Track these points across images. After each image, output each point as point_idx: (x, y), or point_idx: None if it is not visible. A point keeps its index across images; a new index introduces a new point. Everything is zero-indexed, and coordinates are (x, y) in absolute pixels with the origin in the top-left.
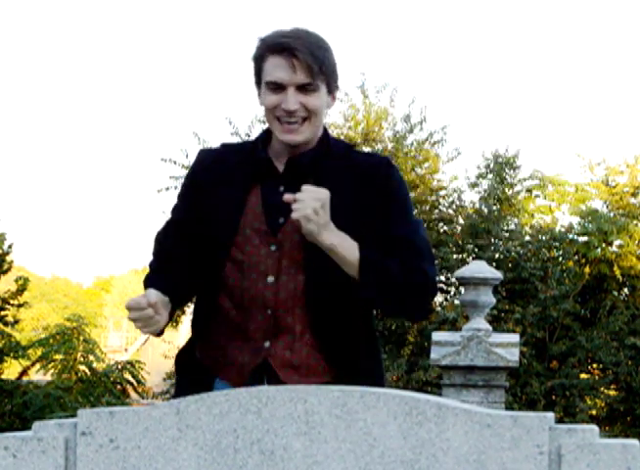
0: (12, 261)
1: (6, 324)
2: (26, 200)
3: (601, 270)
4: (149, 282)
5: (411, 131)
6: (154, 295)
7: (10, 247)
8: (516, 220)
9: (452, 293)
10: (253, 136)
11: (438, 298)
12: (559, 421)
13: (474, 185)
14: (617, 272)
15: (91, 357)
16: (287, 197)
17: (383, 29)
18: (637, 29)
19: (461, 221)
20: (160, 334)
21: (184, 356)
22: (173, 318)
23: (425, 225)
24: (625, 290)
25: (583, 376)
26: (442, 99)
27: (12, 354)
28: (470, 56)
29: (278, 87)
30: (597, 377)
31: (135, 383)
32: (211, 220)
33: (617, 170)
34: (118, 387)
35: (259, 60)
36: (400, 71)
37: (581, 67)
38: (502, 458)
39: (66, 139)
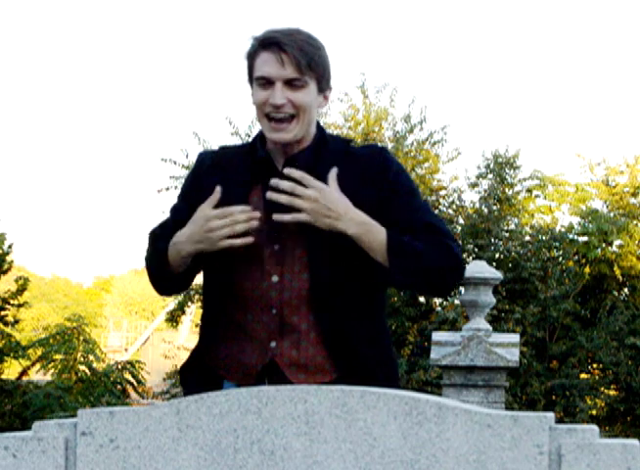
0: (12, 261)
1: (6, 324)
2: (26, 200)
3: (601, 270)
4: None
5: (411, 131)
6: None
7: (10, 247)
8: (516, 220)
9: (452, 293)
10: (253, 136)
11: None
12: (559, 421)
13: (474, 185)
14: (617, 272)
15: (91, 357)
16: (276, 217)
17: (383, 29)
18: (637, 29)
19: (461, 221)
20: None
21: (190, 366)
22: (174, 318)
23: None
24: (625, 290)
25: (583, 376)
26: (442, 99)
27: (12, 354)
28: (470, 56)
29: (267, 82)
30: (597, 377)
31: (135, 383)
32: None
33: (618, 170)
34: (118, 387)
35: (251, 57)
36: (400, 71)
37: (581, 67)
38: (502, 458)
39: (66, 139)
